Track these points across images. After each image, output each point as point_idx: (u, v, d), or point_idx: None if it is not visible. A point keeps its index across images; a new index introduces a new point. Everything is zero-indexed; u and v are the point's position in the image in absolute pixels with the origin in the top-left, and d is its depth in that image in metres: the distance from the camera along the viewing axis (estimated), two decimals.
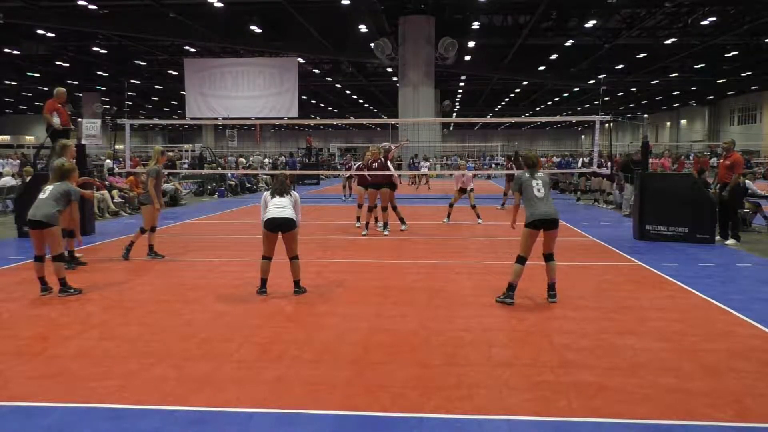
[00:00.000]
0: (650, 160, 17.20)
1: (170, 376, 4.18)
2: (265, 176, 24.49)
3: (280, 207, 6.41)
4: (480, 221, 12.67)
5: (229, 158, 28.35)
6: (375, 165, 11.11)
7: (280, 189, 6.57)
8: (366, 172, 11.30)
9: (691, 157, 30.17)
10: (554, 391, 3.93)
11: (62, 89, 11.40)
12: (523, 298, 6.29)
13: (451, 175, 17.93)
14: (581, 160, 20.26)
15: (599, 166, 15.95)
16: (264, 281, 6.52)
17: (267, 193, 6.64)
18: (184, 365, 4.40)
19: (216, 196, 20.96)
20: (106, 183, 15.36)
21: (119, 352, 4.69)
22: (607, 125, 15.83)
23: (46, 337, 5.06)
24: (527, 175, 6.18)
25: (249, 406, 3.70)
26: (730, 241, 10.00)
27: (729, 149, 10.38)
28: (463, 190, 12.93)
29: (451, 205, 13.02)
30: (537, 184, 6.06)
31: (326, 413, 3.61)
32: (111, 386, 4.00)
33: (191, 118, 32.59)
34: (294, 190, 6.75)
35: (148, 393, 3.90)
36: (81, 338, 5.03)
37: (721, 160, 10.55)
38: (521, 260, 6.03)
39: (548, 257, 6.16)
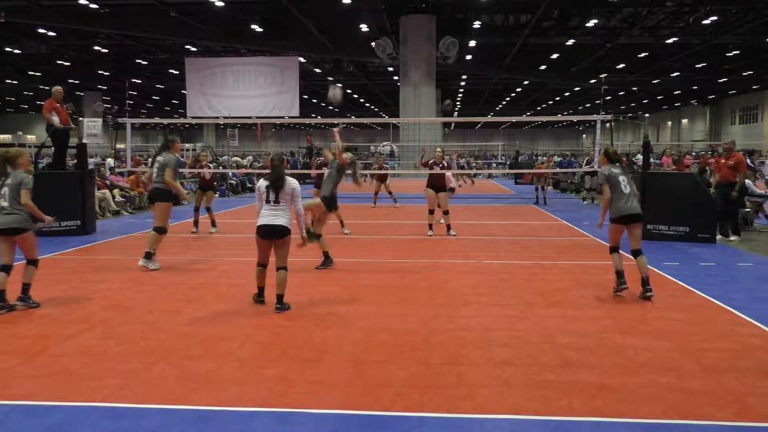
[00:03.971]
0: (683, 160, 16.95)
1: (171, 375, 4.18)
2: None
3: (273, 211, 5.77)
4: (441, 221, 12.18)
5: (222, 158, 28.07)
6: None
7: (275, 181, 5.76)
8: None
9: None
10: (555, 390, 3.93)
11: (59, 88, 11.45)
12: (523, 297, 6.28)
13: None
14: (588, 159, 20.03)
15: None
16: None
17: (262, 183, 5.93)
18: (185, 364, 4.40)
19: (217, 195, 20.92)
20: (108, 182, 15.35)
21: (120, 351, 4.69)
22: (608, 125, 15.77)
23: (47, 336, 5.06)
24: (615, 170, 6.34)
25: (249, 405, 3.70)
26: (734, 238, 10.04)
27: (730, 150, 10.40)
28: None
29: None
30: (623, 180, 6.28)
31: (327, 412, 3.61)
32: (112, 385, 4.00)
33: (192, 117, 32.58)
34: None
35: (149, 392, 3.90)
36: (82, 337, 5.04)
37: (723, 161, 10.56)
38: (614, 250, 6.42)
39: (636, 253, 6.32)
